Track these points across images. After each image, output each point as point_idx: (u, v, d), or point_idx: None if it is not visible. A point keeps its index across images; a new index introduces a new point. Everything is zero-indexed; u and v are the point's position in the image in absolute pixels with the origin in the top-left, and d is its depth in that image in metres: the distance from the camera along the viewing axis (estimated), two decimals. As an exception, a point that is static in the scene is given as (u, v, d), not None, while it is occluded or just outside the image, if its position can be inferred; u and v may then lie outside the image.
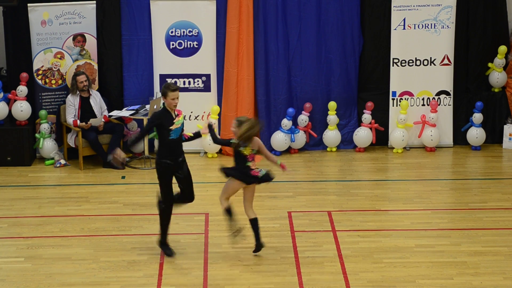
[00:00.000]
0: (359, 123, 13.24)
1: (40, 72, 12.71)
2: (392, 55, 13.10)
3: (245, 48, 12.86)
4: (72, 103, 12.46)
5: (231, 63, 12.94)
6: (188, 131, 9.36)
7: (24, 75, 12.61)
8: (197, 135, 9.32)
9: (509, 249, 9.35)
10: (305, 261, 8.98)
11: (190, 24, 12.93)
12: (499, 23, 13.29)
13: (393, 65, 13.14)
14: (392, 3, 12.96)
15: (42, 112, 12.64)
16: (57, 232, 10.02)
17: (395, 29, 13.03)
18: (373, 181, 11.89)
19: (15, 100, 12.63)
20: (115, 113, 12.68)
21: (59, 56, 12.74)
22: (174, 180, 9.07)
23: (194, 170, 12.23)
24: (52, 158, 12.63)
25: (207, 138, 12.85)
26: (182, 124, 8.96)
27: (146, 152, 12.70)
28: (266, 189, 11.50)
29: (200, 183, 11.75)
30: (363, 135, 13.10)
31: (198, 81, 13.05)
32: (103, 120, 12.50)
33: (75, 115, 12.47)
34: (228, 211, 9.05)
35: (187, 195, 9.15)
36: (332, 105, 13.04)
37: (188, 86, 13.05)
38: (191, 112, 13.09)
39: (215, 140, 9.29)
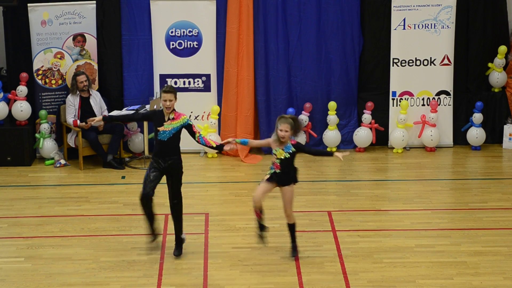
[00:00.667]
0: (359, 123, 13.25)
1: (40, 72, 12.71)
2: (392, 55, 13.10)
3: (245, 48, 12.87)
4: (72, 103, 12.47)
5: (231, 63, 12.94)
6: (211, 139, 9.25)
7: (24, 75, 12.61)
8: (219, 148, 9.03)
9: (509, 249, 9.35)
10: (305, 261, 8.98)
11: (190, 24, 12.93)
12: (499, 23, 13.29)
13: (393, 65, 13.14)
14: (392, 3, 12.96)
15: (42, 112, 12.64)
16: (57, 232, 10.02)
17: (395, 29, 13.03)
18: (373, 181, 11.90)
19: (15, 100, 12.64)
20: (115, 113, 12.67)
21: (59, 56, 12.74)
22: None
23: (194, 170, 12.29)
24: (52, 158, 12.63)
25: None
26: (176, 129, 8.77)
27: (146, 152, 12.70)
28: (266, 189, 11.51)
29: (200, 183, 11.76)
30: (363, 135, 13.10)
31: (198, 81, 13.06)
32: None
33: (75, 115, 12.47)
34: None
35: (170, 194, 8.99)
36: (332, 105, 13.04)
37: (188, 86, 13.05)
38: (191, 112, 13.09)
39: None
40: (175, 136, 8.81)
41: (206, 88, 13.07)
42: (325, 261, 9.05)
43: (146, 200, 8.89)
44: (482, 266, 8.91)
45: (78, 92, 12.48)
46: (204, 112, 13.11)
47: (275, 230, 9.98)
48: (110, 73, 13.12)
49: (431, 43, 13.03)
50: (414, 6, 12.95)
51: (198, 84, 13.06)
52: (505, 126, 13.27)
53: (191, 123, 8.82)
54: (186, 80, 13.05)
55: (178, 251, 9.16)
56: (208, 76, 13.04)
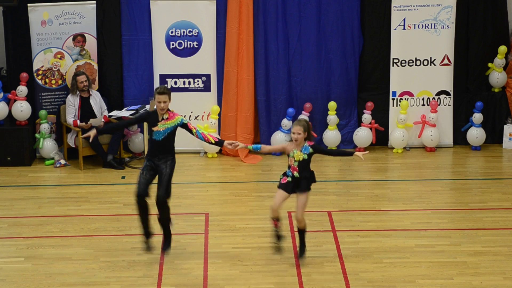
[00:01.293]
0: (359, 123, 13.24)
1: (40, 72, 12.71)
2: (392, 55, 13.10)
3: (245, 48, 12.87)
4: (72, 103, 12.47)
5: (231, 63, 12.94)
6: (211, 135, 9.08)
7: (24, 75, 12.61)
8: (219, 143, 8.88)
9: (509, 249, 9.35)
10: (305, 261, 8.98)
11: (190, 24, 12.93)
12: (499, 23, 13.29)
13: (393, 65, 13.14)
14: (392, 3, 12.96)
15: (42, 112, 12.64)
16: (57, 232, 10.02)
17: (395, 29, 13.03)
18: (373, 181, 11.90)
19: (15, 100, 12.63)
20: (115, 113, 12.68)
21: (59, 56, 12.74)
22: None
23: (194, 170, 12.29)
24: (52, 158, 12.63)
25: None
26: (170, 129, 8.68)
27: (146, 152, 12.68)
28: (266, 189, 11.52)
29: (200, 183, 11.76)
30: (363, 135, 13.10)
31: (198, 81, 13.06)
32: (103, 120, 12.50)
33: (75, 115, 12.47)
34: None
35: (158, 188, 8.76)
36: (332, 105, 13.04)
37: (188, 86, 13.05)
38: (191, 112, 13.09)
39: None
40: (169, 136, 8.73)
41: (206, 88, 13.07)
42: (325, 261, 9.05)
43: (141, 201, 8.80)
44: (482, 266, 8.91)
45: (78, 92, 12.48)
46: (204, 112, 13.11)
47: (275, 230, 9.99)
48: (110, 73, 13.12)
49: (431, 43, 13.03)
50: (414, 6, 12.95)
51: (198, 84, 13.06)
52: (505, 126, 13.27)
53: (186, 122, 8.72)
54: (186, 80, 13.05)
55: (166, 246, 9.05)
56: (208, 76, 13.04)
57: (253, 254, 9.26)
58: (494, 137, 13.44)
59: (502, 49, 13.15)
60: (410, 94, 13.19)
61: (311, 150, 8.68)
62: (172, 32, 12.93)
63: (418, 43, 13.03)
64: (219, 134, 13.03)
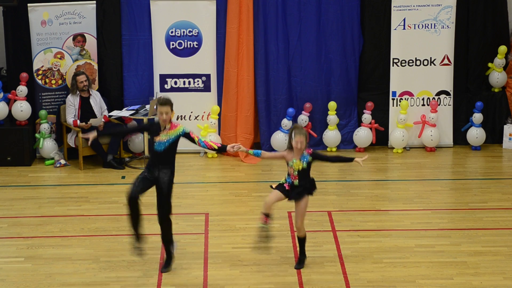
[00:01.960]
0: (359, 123, 13.24)
1: (40, 72, 12.71)
2: (392, 55, 13.10)
3: (245, 48, 12.87)
4: (72, 103, 12.47)
5: (231, 63, 12.94)
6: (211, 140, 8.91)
7: (24, 75, 12.61)
8: (222, 149, 8.78)
9: (509, 249, 9.35)
10: (305, 261, 8.97)
11: (190, 24, 12.93)
12: (499, 23, 13.29)
13: (393, 65, 13.14)
14: (392, 3, 12.96)
15: (42, 112, 12.64)
16: (57, 232, 10.02)
17: (395, 29, 13.03)
18: (373, 181, 11.90)
19: (15, 100, 12.64)
20: (115, 113, 12.68)
21: (59, 56, 12.74)
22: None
23: (194, 170, 12.29)
24: (52, 158, 12.63)
25: (207, 138, 12.87)
26: (172, 139, 8.52)
27: (146, 152, 12.69)
28: (266, 189, 11.50)
29: (200, 183, 11.76)
30: (363, 135, 13.10)
31: (198, 81, 13.06)
32: (103, 120, 12.51)
33: (75, 115, 12.47)
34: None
35: (158, 206, 8.62)
36: (332, 105, 13.04)
37: (188, 86, 13.05)
38: (191, 112, 13.09)
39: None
40: (171, 147, 8.54)
41: (206, 88, 13.07)
42: (325, 261, 9.05)
43: (133, 202, 8.55)
44: (482, 266, 8.91)
45: (78, 92, 12.49)
46: (204, 112, 13.11)
47: (275, 230, 9.97)
48: (110, 73, 13.12)
49: (431, 43, 13.03)
50: (414, 6, 12.95)
51: (198, 84, 13.06)
52: (505, 126, 13.27)
53: (188, 131, 8.56)
54: (186, 80, 13.05)
55: (166, 265, 8.90)
56: (208, 76, 13.04)
57: (253, 254, 9.25)
58: (494, 137, 13.44)
59: (502, 49, 13.15)
60: (410, 94, 13.19)
61: (310, 158, 8.59)
62: (172, 32, 12.93)
63: (418, 43, 13.03)
64: (219, 134, 13.04)
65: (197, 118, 13.09)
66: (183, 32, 12.94)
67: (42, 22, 12.63)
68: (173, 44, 12.95)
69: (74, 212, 10.68)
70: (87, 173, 12.31)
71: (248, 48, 12.89)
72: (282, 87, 13.11)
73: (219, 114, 13.06)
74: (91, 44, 12.85)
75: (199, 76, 13.04)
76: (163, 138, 8.51)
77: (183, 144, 8.87)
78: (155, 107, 8.68)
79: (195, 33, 12.94)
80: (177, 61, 12.98)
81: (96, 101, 12.61)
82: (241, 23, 12.83)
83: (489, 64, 13.33)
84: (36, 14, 12.59)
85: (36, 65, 12.67)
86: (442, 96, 13.23)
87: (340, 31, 13.05)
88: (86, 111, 12.50)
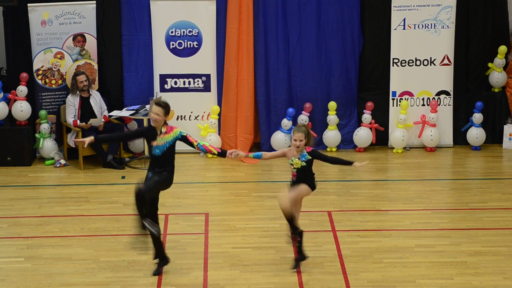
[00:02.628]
0: (359, 123, 13.24)
1: (40, 72, 12.71)
2: (392, 55, 13.10)
3: (245, 48, 12.86)
4: (72, 103, 12.47)
5: (231, 63, 12.94)
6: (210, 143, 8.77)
7: (24, 75, 12.61)
8: (222, 154, 8.68)
9: (509, 249, 9.35)
10: (305, 261, 8.97)
11: (190, 24, 12.93)
12: (499, 23, 13.29)
13: (393, 65, 13.14)
14: (392, 3, 12.96)
15: (42, 112, 12.64)
16: (57, 232, 10.02)
17: (395, 29, 13.03)
18: (373, 181, 11.90)
19: (15, 100, 12.63)
20: (115, 113, 12.68)
21: (59, 56, 12.74)
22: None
23: (194, 170, 12.29)
24: (52, 158, 12.63)
25: (207, 138, 12.87)
26: (169, 143, 8.47)
27: (146, 152, 12.69)
28: (266, 189, 11.52)
29: (200, 183, 11.76)
30: (363, 135, 13.10)
31: (198, 81, 13.06)
32: (103, 120, 12.51)
33: (75, 115, 12.47)
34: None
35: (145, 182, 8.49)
36: (332, 105, 13.04)
37: (188, 86, 13.05)
38: (191, 112, 13.09)
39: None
40: (169, 150, 8.49)
41: (206, 88, 13.07)
42: (325, 261, 9.04)
43: (141, 200, 8.52)
44: (482, 266, 8.90)
45: (78, 92, 12.48)
46: (204, 112, 13.11)
47: (275, 230, 9.98)
48: (110, 73, 13.12)
49: (431, 43, 13.03)
50: (414, 6, 12.95)
51: (198, 84, 13.06)
52: (505, 126, 13.27)
53: (185, 134, 8.49)
54: (186, 80, 13.05)
55: (158, 271, 8.82)
56: (208, 76, 13.04)
57: (253, 254, 9.26)
58: (494, 137, 13.44)
59: (502, 49, 13.15)
60: (410, 94, 13.19)
61: (309, 157, 8.56)
62: (172, 32, 12.93)
63: (418, 43, 13.03)
64: (219, 134, 13.04)
65: (197, 118, 13.09)
66: (183, 32, 12.94)
67: (42, 22, 12.63)
68: (173, 44, 12.95)
69: (74, 212, 10.68)
70: (87, 173, 12.31)
71: (248, 48, 12.89)
72: (282, 87, 13.10)
73: (219, 114, 13.06)
74: (91, 44, 12.85)
75: (199, 76, 13.04)
76: (160, 142, 8.45)
77: (183, 144, 8.86)
78: (159, 95, 8.59)
79: (195, 33, 12.94)
80: (177, 61, 12.98)
81: (96, 101, 12.61)
82: (241, 23, 12.83)
83: (489, 64, 13.33)
84: (36, 14, 12.59)
85: (36, 65, 12.67)
86: (442, 96, 13.23)
87: (340, 31, 13.05)
88: (86, 111, 12.50)
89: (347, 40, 13.09)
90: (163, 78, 13.01)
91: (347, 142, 13.29)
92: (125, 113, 12.62)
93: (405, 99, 13.17)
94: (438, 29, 13.01)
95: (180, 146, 8.64)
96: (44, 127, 12.64)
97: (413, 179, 11.93)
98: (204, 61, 12.99)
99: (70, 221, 10.36)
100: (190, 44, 12.97)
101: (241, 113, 13.02)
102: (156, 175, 8.51)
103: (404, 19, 12.98)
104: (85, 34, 12.81)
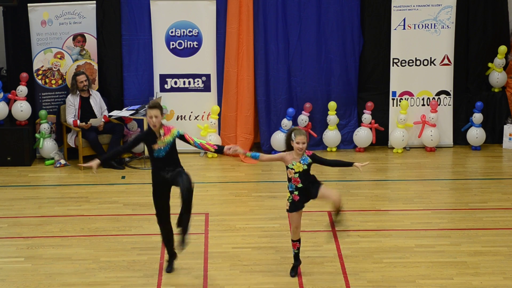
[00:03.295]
0: (359, 123, 13.25)
1: (40, 72, 12.71)
2: (392, 55, 13.10)
3: (245, 48, 12.87)
4: (72, 103, 12.47)
5: (231, 63, 12.94)
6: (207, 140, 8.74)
7: (24, 75, 12.61)
8: (219, 151, 8.64)
9: (509, 249, 9.35)
10: (305, 261, 8.97)
11: (190, 24, 12.93)
12: (499, 23, 13.29)
13: (393, 65, 13.14)
14: (392, 3, 12.96)
15: (42, 112, 12.64)
16: (57, 232, 10.02)
17: (395, 29, 13.03)
18: (373, 181, 11.89)
19: (15, 100, 12.64)
20: (115, 113, 12.68)
21: (59, 56, 12.74)
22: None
23: (194, 170, 12.28)
24: (52, 158, 12.63)
25: (207, 138, 12.87)
26: (170, 143, 8.43)
27: (146, 152, 12.69)
28: (266, 189, 11.52)
29: (200, 183, 11.75)
30: (363, 135, 13.10)
31: (198, 81, 13.06)
32: (103, 120, 12.51)
33: (75, 115, 12.47)
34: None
35: (179, 182, 8.37)
36: (332, 105, 13.04)
37: (188, 86, 13.05)
38: (191, 112, 13.09)
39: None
40: (172, 149, 8.46)
41: (206, 88, 13.07)
42: (325, 261, 9.05)
43: (165, 227, 8.60)
44: (482, 266, 8.90)
45: (78, 92, 12.49)
46: (204, 112, 13.11)
47: (275, 230, 9.98)
48: (110, 73, 13.12)
49: (431, 43, 13.03)
50: (414, 6, 12.95)
51: (198, 84, 13.06)
52: (505, 126, 13.27)
53: (182, 133, 8.46)
54: (186, 80, 13.05)
55: (170, 267, 8.88)
56: (208, 76, 13.05)
57: (253, 254, 9.26)
58: (494, 137, 13.44)
59: (502, 49, 13.15)
60: (410, 94, 13.20)
61: (309, 160, 8.44)
62: (172, 32, 12.93)
63: (418, 43, 13.03)
64: (219, 134, 13.04)
65: (197, 118, 13.09)
66: (183, 32, 12.94)
67: (42, 22, 12.63)
68: (173, 44, 12.95)
69: (74, 212, 10.68)
70: (87, 173, 12.31)
71: (248, 48, 12.89)
72: (282, 87, 13.11)
73: (219, 114, 13.07)
74: (91, 44, 12.86)
75: (199, 76, 13.04)
76: (160, 145, 8.41)
77: (183, 144, 8.85)
78: (159, 95, 8.45)
79: (195, 33, 12.94)
80: (177, 61, 12.98)
81: (96, 101, 12.61)
82: (241, 23, 12.83)
83: (489, 64, 13.33)
84: (36, 14, 12.59)
85: (36, 65, 12.67)
86: (442, 96, 13.23)
87: (340, 31, 13.05)
88: (86, 111, 12.51)
89: (347, 40, 13.10)
90: (163, 78, 13.01)
91: (347, 142, 13.29)
92: (125, 113, 12.62)
93: (405, 99, 13.17)
94: (438, 29, 13.01)
95: (179, 146, 8.64)
96: (44, 127, 12.64)
97: (413, 179, 11.93)
98: (204, 61, 12.99)
99: (70, 221, 10.36)
100: (190, 44, 12.97)
101: (241, 113, 13.02)
102: (175, 172, 8.41)
103: (404, 19, 12.98)
104: (85, 34, 12.81)
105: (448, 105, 13.28)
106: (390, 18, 13.02)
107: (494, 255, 9.20)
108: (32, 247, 9.53)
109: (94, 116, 12.50)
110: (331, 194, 8.52)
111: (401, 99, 13.18)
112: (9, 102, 12.67)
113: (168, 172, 8.46)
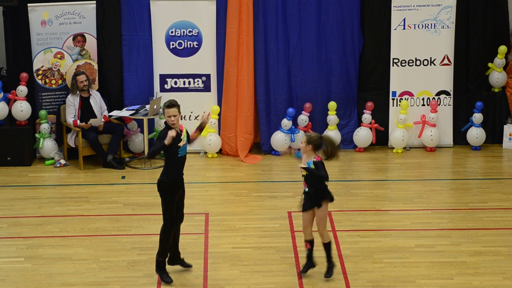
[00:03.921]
0: (359, 123, 13.24)
1: (40, 72, 12.71)
2: (392, 55, 13.10)
3: (245, 48, 12.86)
4: (72, 103, 12.47)
5: (231, 63, 12.94)
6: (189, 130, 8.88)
7: (24, 75, 12.61)
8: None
9: (509, 249, 9.35)
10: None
11: (190, 24, 12.93)
12: (499, 23, 13.29)
13: (393, 65, 13.14)
14: (392, 3, 12.96)
15: (42, 112, 12.64)
16: (57, 232, 10.02)
17: (395, 29, 13.03)
18: (373, 181, 11.90)
19: (15, 100, 12.64)
20: (115, 113, 12.68)
21: (59, 56, 12.74)
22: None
23: (194, 170, 12.29)
24: (52, 158, 12.63)
25: (207, 138, 12.86)
26: (186, 141, 8.52)
27: (146, 152, 12.69)
28: (266, 189, 11.52)
29: (200, 183, 11.76)
30: (363, 135, 13.10)
31: (198, 81, 13.06)
32: (103, 120, 12.51)
33: (75, 115, 12.47)
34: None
35: (180, 216, 8.67)
36: (332, 105, 13.04)
37: (188, 86, 13.05)
38: (191, 112, 13.09)
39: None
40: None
41: (206, 88, 13.07)
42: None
43: (175, 231, 8.67)
44: (482, 266, 8.91)
45: (78, 92, 12.48)
46: (204, 112, 13.07)
47: (275, 230, 9.99)
48: (110, 73, 13.12)
49: (431, 43, 13.03)
50: (414, 6, 12.95)
51: (198, 84, 13.06)
52: (505, 126, 13.27)
53: (186, 129, 8.60)
54: (186, 80, 13.05)
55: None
56: (208, 76, 13.04)
57: (253, 254, 9.26)
58: (494, 137, 13.44)
59: (502, 49, 13.16)
60: (410, 94, 13.20)
61: (312, 166, 8.43)
62: (172, 32, 12.93)
63: (418, 43, 13.03)
64: (219, 134, 13.03)
65: (197, 118, 13.09)
66: (183, 32, 12.94)
67: (42, 22, 12.63)
68: (173, 44, 12.95)
69: (74, 212, 10.68)
70: (87, 173, 12.31)
71: (248, 48, 12.89)
72: (282, 87, 13.10)
73: (219, 114, 13.06)
74: (91, 44, 12.85)
75: (199, 76, 13.04)
76: (183, 142, 8.43)
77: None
78: (161, 110, 8.37)
79: (195, 33, 12.94)
80: (177, 61, 12.98)
81: (96, 101, 12.61)
82: (241, 23, 12.83)
83: (489, 64, 13.33)
84: (36, 14, 12.59)
85: (36, 65, 12.67)
86: (442, 96, 13.23)
87: (340, 31, 13.05)
88: (86, 111, 12.50)
89: (347, 40, 13.10)
90: (163, 78, 13.01)
91: (347, 142, 13.29)
92: (125, 113, 12.62)
93: (405, 99, 13.17)
94: (438, 29, 13.01)
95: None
96: (44, 127, 12.64)
97: (413, 179, 11.93)
98: (204, 61, 12.99)
99: (70, 221, 10.37)
100: (190, 44, 12.97)
101: (241, 113, 13.02)
102: (181, 196, 8.62)
103: (404, 19, 12.98)
104: (85, 34, 12.81)
105: (448, 105, 13.28)
106: (390, 18, 13.02)
107: (494, 255, 9.20)
108: (32, 247, 9.53)
109: (94, 116, 12.50)
110: (318, 225, 8.56)
111: (401, 99, 13.18)
112: (9, 102, 12.67)
113: (182, 176, 8.46)
